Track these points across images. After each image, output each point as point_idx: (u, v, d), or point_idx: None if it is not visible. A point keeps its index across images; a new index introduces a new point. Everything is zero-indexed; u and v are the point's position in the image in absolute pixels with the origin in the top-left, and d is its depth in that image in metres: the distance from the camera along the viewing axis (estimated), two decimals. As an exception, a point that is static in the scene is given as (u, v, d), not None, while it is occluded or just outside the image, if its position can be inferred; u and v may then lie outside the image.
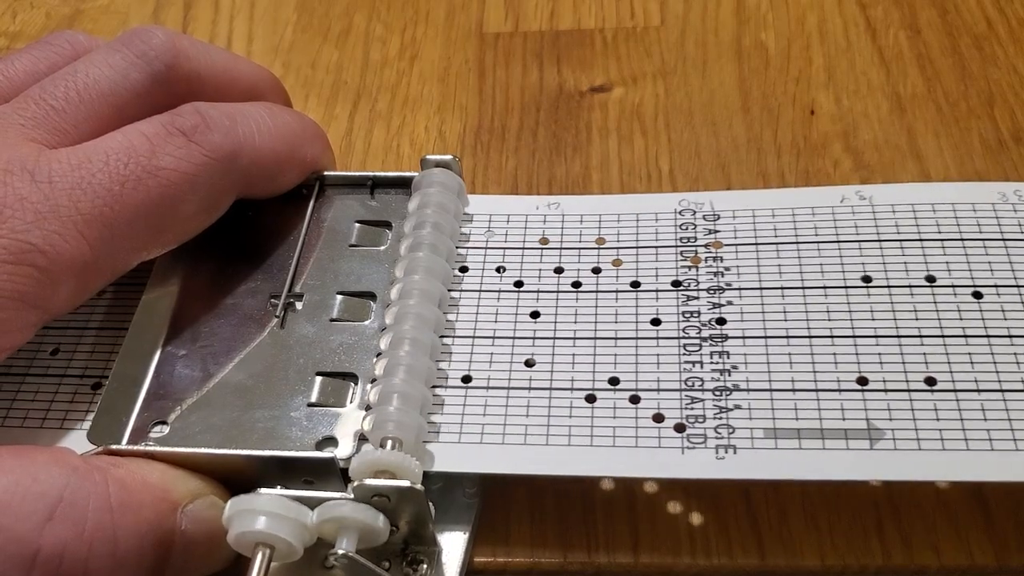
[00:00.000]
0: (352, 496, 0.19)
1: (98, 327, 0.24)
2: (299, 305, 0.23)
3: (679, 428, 0.20)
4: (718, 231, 0.24)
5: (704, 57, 0.32)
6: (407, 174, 0.25)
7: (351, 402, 0.22)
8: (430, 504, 0.20)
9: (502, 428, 0.21)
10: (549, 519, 0.22)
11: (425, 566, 0.21)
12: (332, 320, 0.23)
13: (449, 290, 0.23)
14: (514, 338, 0.22)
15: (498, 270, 0.24)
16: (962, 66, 0.30)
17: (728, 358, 0.21)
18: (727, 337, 0.22)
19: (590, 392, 0.21)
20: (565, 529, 0.22)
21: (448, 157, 0.25)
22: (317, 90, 0.32)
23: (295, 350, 0.22)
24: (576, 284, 0.23)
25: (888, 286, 0.22)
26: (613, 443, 0.20)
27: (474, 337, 0.22)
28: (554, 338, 0.22)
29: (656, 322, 0.22)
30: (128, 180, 0.20)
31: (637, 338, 0.22)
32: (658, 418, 0.20)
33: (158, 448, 0.20)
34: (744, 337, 0.22)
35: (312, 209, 0.25)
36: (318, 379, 0.22)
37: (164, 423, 0.21)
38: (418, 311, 0.22)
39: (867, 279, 0.22)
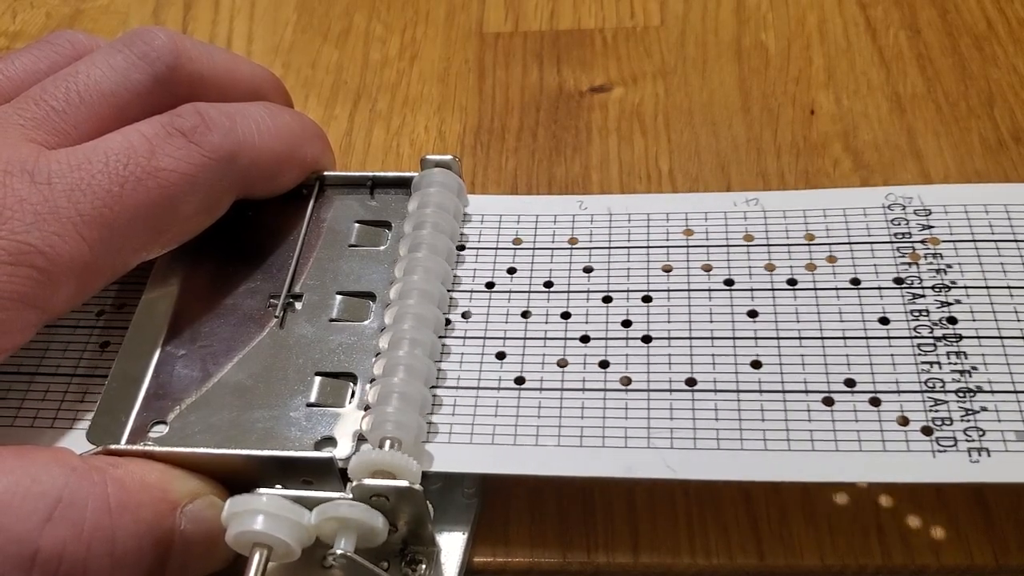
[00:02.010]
0: (351, 496, 0.19)
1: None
2: (298, 305, 0.23)
3: (926, 431, 0.20)
4: (932, 227, 0.23)
5: (704, 57, 0.32)
6: (407, 174, 0.25)
7: (350, 402, 0.22)
8: (429, 504, 0.20)
9: (739, 433, 0.20)
10: (549, 519, 0.22)
11: (424, 566, 0.21)
12: (331, 320, 0.23)
13: (654, 289, 0.23)
14: (734, 338, 0.22)
15: (705, 268, 0.23)
16: (962, 66, 0.30)
17: (966, 358, 0.21)
18: (961, 337, 0.21)
19: (827, 395, 0.21)
20: (565, 529, 0.22)
21: (448, 157, 0.25)
22: (317, 90, 0.32)
23: (294, 350, 0.22)
24: (791, 281, 0.23)
25: None
26: (859, 447, 0.20)
27: (691, 338, 0.22)
28: (778, 338, 0.22)
29: (884, 321, 0.22)
30: (128, 181, 0.20)
31: (867, 338, 0.21)
32: (903, 421, 0.20)
33: (157, 448, 0.20)
34: (979, 337, 0.21)
35: (312, 209, 0.25)
36: (317, 379, 0.22)
37: (163, 423, 0.21)
38: (417, 311, 0.22)
39: None
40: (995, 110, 0.29)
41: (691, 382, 0.21)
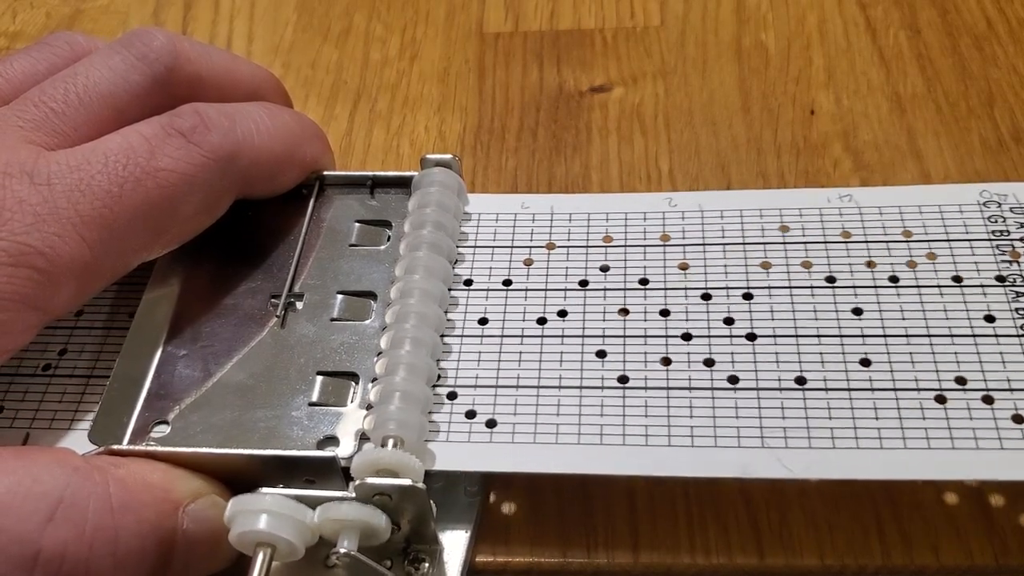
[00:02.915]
0: (353, 495, 0.19)
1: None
2: (299, 305, 0.23)
3: None
4: None
5: (704, 57, 0.32)
6: (407, 173, 0.25)
7: (352, 401, 0.22)
8: (432, 503, 0.20)
9: (853, 431, 0.20)
10: (549, 519, 0.22)
11: (427, 565, 0.21)
12: (333, 320, 0.23)
13: (754, 287, 0.23)
14: (841, 336, 0.22)
15: (804, 265, 0.23)
16: (962, 66, 0.30)
17: None
18: None
19: (939, 393, 0.20)
20: (565, 529, 0.22)
21: (448, 156, 0.25)
22: (317, 90, 0.32)
23: (296, 350, 0.22)
24: (893, 279, 0.22)
25: None
26: (976, 445, 0.19)
27: (797, 336, 0.22)
28: (885, 335, 0.21)
29: (990, 319, 0.21)
30: (127, 181, 0.20)
31: (974, 336, 0.21)
32: (1018, 419, 0.20)
33: (159, 448, 0.20)
34: None
35: (312, 209, 0.25)
36: (319, 378, 0.22)
37: (165, 423, 0.21)
38: (419, 310, 0.22)
39: None
40: (995, 110, 0.29)
41: (801, 380, 0.21)
